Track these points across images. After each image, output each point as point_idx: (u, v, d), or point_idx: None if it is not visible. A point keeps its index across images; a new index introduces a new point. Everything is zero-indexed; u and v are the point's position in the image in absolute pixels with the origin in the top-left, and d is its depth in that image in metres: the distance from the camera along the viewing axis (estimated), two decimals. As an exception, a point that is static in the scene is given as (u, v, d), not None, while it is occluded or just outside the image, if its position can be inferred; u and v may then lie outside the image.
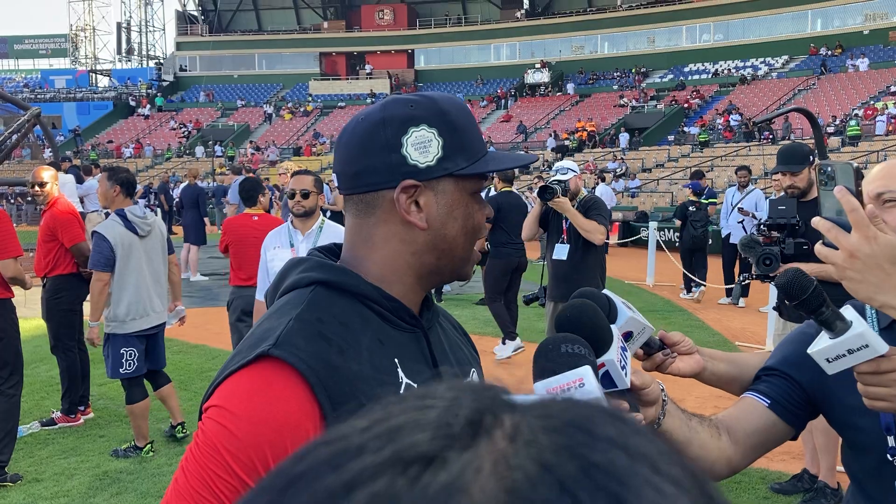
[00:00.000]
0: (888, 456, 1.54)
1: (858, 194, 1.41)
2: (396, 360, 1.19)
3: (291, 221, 4.72)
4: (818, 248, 1.46)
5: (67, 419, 6.13)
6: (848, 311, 1.42)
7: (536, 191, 5.57)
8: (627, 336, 1.47)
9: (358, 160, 1.22)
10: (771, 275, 4.39)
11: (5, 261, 5.00)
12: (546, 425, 0.32)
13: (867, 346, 1.37)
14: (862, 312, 1.65)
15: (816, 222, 1.44)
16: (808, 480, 4.86)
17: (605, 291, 1.43)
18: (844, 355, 1.39)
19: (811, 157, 4.62)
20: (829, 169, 1.45)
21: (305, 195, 4.62)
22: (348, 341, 1.16)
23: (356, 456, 0.31)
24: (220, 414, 1.11)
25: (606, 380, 1.25)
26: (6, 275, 5.04)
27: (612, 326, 1.28)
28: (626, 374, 1.26)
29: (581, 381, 1.05)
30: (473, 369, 1.43)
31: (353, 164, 1.23)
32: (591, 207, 5.62)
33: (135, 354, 5.32)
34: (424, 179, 1.20)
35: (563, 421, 0.33)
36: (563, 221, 5.68)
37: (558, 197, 5.41)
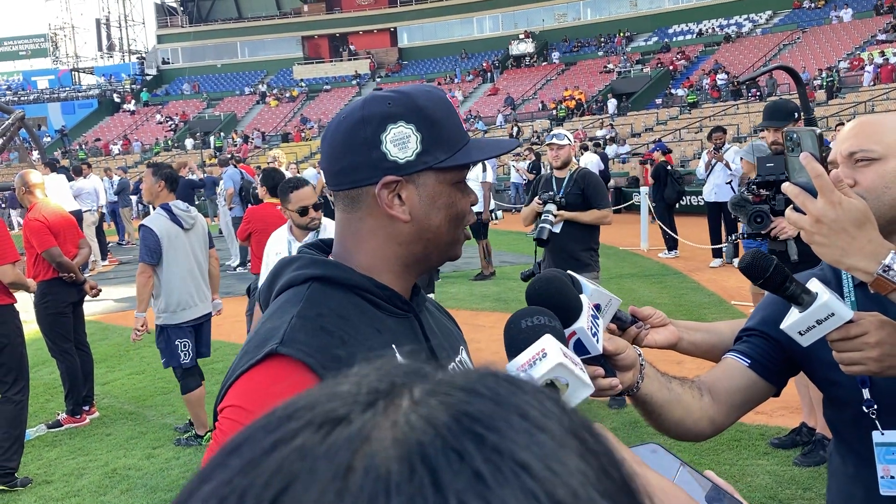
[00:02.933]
0: (864, 408, 1.58)
1: (823, 160, 1.44)
2: (394, 346, 1.24)
3: (291, 229, 4.72)
4: (788, 213, 1.50)
5: (73, 420, 6.18)
6: (813, 284, 1.46)
7: (535, 240, 5.55)
8: (596, 309, 1.51)
9: (341, 158, 1.27)
10: (763, 232, 4.45)
11: (3, 267, 4.99)
12: (438, 390, 0.40)
13: (833, 314, 1.41)
14: (838, 274, 1.69)
15: (785, 188, 1.48)
16: (806, 434, 4.94)
17: (568, 272, 1.46)
18: (814, 326, 1.43)
19: (796, 114, 4.65)
20: (795, 136, 1.49)
21: (317, 207, 4.65)
22: (349, 332, 1.21)
23: (285, 422, 0.39)
24: (236, 412, 1.15)
25: (579, 347, 1.28)
26: (5, 281, 5.05)
27: (583, 296, 1.31)
28: (597, 340, 1.28)
29: (543, 351, 1.07)
30: (462, 347, 1.48)
31: (338, 162, 1.28)
32: (588, 191, 5.66)
33: (189, 345, 5.51)
34: (405, 174, 1.25)
35: (454, 386, 0.40)
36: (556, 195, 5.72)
37: (555, 220, 5.53)
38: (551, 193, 5.64)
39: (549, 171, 6.05)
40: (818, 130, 1.48)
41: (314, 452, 0.36)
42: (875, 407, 1.57)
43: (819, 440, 4.77)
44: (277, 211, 6.21)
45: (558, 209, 5.56)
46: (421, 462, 0.35)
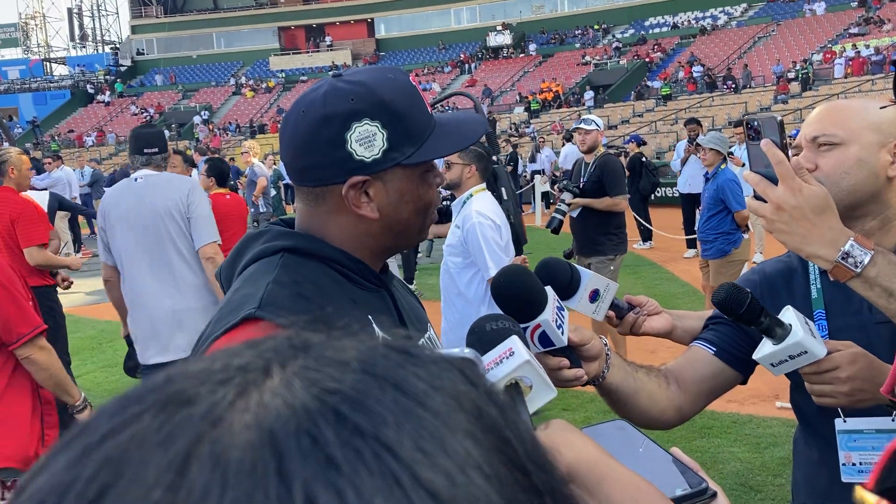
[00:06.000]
0: None
1: (784, 147, 1.43)
2: (370, 317, 1.23)
3: None
4: (748, 200, 1.50)
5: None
6: (787, 315, 1.47)
7: (548, 228, 5.92)
8: (595, 295, 1.55)
9: (304, 156, 1.23)
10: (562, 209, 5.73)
11: (30, 249, 4.94)
12: (309, 366, 0.36)
13: (806, 352, 1.43)
14: (804, 262, 1.70)
15: (746, 175, 1.48)
16: None
17: (569, 261, 1.50)
18: (787, 360, 1.45)
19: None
20: (756, 123, 1.47)
21: None
22: (326, 300, 1.20)
23: (130, 405, 0.35)
24: None
25: (545, 339, 1.29)
26: (31, 263, 4.94)
27: (548, 288, 1.32)
28: (562, 332, 1.30)
29: (511, 350, 1.10)
30: (429, 324, 1.50)
31: (300, 158, 1.24)
32: (604, 178, 5.94)
33: None
34: (372, 173, 1.22)
35: (330, 361, 0.37)
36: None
37: (569, 208, 5.87)
38: (566, 182, 6.02)
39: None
40: (779, 117, 1.48)
41: (150, 440, 0.32)
42: None
43: None
44: (226, 199, 6.17)
45: (573, 197, 5.85)
46: (269, 448, 0.32)
